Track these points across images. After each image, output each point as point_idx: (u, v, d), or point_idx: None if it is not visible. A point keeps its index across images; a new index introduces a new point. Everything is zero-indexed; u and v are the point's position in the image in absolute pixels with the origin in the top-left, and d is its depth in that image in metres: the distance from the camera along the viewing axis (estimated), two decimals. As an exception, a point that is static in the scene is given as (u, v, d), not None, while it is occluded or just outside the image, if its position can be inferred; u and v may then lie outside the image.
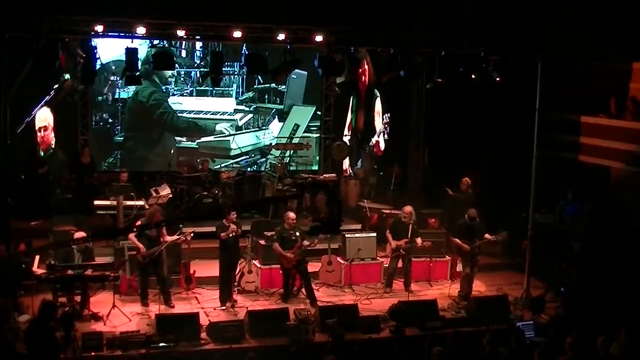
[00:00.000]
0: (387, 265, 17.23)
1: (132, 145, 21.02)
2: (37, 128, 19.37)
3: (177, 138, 21.28)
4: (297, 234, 16.12)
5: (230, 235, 15.47)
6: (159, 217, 15.61)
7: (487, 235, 16.52)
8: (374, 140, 22.38)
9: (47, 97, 19.16)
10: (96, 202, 18.04)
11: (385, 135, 22.16)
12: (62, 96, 19.24)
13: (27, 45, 15.50)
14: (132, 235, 15.42)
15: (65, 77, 18.50)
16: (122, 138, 20.92)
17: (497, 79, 17.75)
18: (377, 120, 22.41)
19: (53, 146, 19.89)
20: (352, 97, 22.26)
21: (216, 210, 18.08)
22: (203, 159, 20.55)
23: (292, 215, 16.38)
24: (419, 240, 16.75)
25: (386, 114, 22.12)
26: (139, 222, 15.52)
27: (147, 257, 15.25)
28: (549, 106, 17.29)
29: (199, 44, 20.78)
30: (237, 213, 15.92)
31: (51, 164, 19.64)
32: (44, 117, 19.42)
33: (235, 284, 16.23)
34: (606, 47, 18.34)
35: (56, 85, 19.07)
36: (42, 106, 19.17)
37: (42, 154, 19.64)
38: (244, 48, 19.12)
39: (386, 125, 22.06)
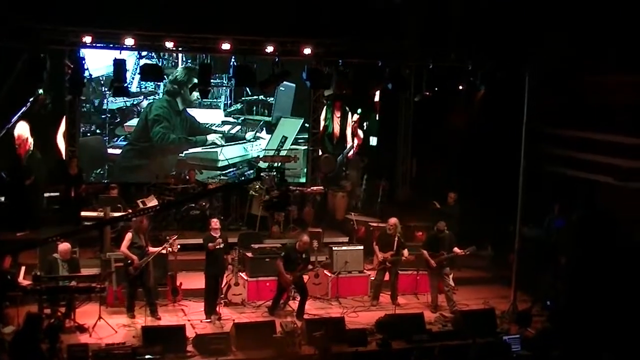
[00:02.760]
0: (373, 278, 17.22)
1: (131, 154, 21.03)
2: (16, 144, 19.71)
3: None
4: (304, 256, 16.12)
5: (217, 246, 15.44)
6: (147, 226, 15.61)
7: (455, 249, 16.67)
8: (348, 146, 23.11)
9: (24, 108, 19.54)
10: (83, 214, 17.99)
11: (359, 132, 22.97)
12: (37, 109, 19.67)
13: (11, 57, 15.53)
14: (124, 248, 15.32)
15: (39, 92, 19.19)
16: (120, 149, 20.95)
17: (484, 91, 17.83)
18: (348, 131, 23.04)
19: (31, 149, 20.08)
20: (325, 107, 22.47)
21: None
22: (189, 169, 20.51)
23: (305, 238, 16.32)
24: (405, 252, 16.75)
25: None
26: (129, 234, 15.44)
27: (137, 269, 15.20)
28: (538, 120, 17.33)
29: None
30: (219, 222, 16.07)
31: (31, 163, 19.91)
32: (20, 132, 19.76)
33: (222, 296, 16.18)
34: (595, 60, 18.43)
35: (32, 99, 19.50)
36: (19, 117, 19.58)
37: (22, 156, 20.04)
38: (232, 60, 19.13)
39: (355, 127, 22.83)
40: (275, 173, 20.33)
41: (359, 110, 22.98)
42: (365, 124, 23.14)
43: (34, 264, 15.90)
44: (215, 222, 15.83)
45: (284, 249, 16.46)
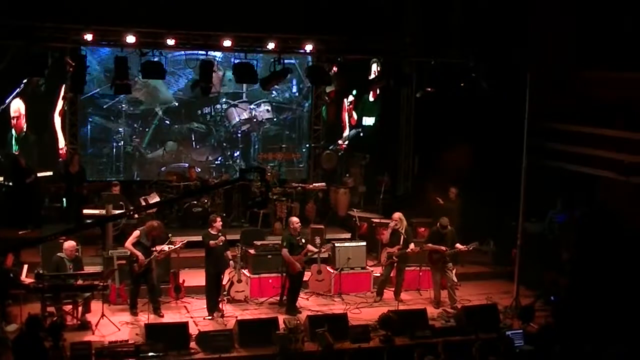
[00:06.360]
0: (379, 275, 17.19)
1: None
2: (11, 117, 19.97)
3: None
4: (304, 240, 16.16)
5: (220, 243, 15.42)
6: (157, 233, 15.55)
7: (458, 245, 16.65)
8: (345, 133, 23.04)
9: (18, 89, 19.76)
10: (85, 211, 17.97)
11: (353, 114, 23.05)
12: (30, 89, 19.89)
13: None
14: (129, 244, 15.29)
15: None
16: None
17: (486, 87, 17.81)
18: (345, 117, 22.98)
19: (25, 130, 20.19)
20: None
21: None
22: (190, 166, 20.51)
23: (295, 219, 16.34)
24: (411, 245, 16.70)
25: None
26: (137, 231, 15.42)
27: (142, 267, 15.19)
28: (539, 115, 17.30)
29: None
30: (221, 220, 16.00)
31: (23, 144, 20.13)
32: (16, 107, 19.96)
33: (225, 293, 16.17)
34: (593, 56, 18.42)
35: (25, 80, 19.66)
36: (14, 97, 19.85)
37: (15, 136, 20.14)
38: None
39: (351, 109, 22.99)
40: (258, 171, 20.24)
41: (354, 92, 22.88)
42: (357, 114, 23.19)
43: (36, 262, 15.91)
44: (219, 222, 15.69)
45: (283, 239, 16.28)
